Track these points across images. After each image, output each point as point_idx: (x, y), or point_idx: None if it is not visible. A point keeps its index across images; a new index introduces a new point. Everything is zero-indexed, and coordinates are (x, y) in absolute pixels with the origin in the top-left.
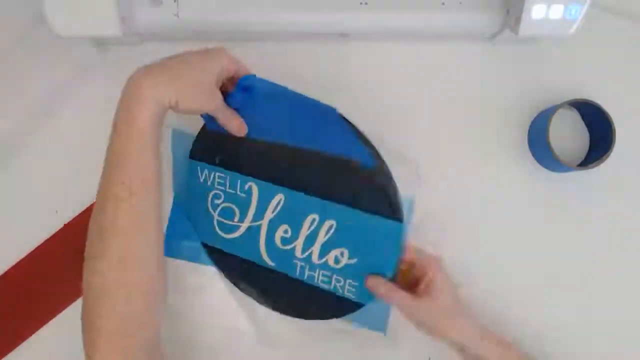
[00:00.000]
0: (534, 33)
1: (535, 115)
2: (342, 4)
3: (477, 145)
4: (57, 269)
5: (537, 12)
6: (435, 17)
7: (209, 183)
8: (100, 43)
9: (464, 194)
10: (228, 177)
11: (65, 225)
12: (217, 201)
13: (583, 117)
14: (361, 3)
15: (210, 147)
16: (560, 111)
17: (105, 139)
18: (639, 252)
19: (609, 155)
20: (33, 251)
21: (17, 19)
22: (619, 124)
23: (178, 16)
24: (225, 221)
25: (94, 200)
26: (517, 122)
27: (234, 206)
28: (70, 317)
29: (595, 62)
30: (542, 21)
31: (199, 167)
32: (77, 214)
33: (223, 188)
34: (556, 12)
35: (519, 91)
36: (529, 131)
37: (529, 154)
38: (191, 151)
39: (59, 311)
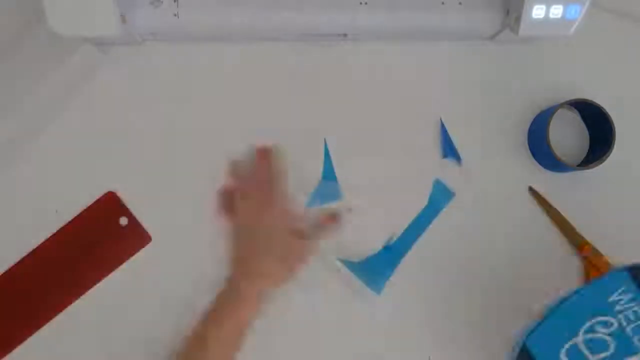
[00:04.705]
0: (534, 33)
1: (535, 115)
2: (342, 4)
3: (477, 145)
4: (57, 269)
5: (537, 12)
6: (435, 17)
7: (616, 308)
8: (100, 43)
9: (464, 194)
10: None
11: (65, 225)
12: (600, 328)
13: (583, 117)
14: (361, 3)
15: None
16: (560, 111)
17: (105, 138)
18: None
19: (609, 155)
20: (33, 251)
21: (16, 19)
22: (619, 124)
23: (178, 16)
24: (585, 351)
25: (94, 201)
26: (517, 122)
27: (613, 342)
28: (70, 317)
29: (595, 62)
30: (542, 21)
31: (624, 287)
32: (77, 214)
33: (626, 324)
34: (556, 12)
35: (519, 91)
36: (529, 131)
37: (529, 154)
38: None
39: (59, 311)
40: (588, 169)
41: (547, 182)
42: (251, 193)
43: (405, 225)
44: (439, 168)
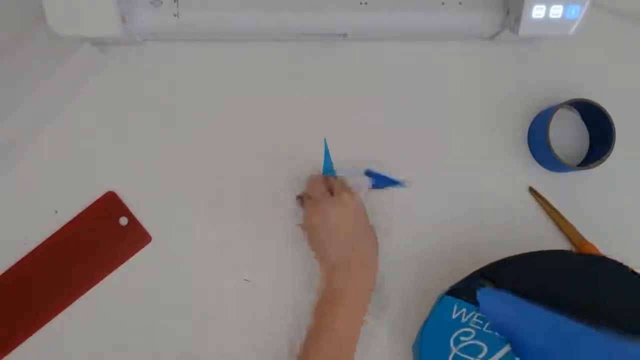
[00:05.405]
0: (534, 33)
1: (535, 115)
2: (342, 4)
3: (477, 145)
4: (57, 269)
5: (537, 12)
6: (435, 17)
7: (462, 321)
8: (100, 43)
9: (464, 194)
10: (489, 322)
11: (65, 225)
12: (463, 338)
13: (583, 117)
14: (361, 3)
15: (472, 288)
16: (560, 111)
17: (105, 138)
18: (639, 251)
19: (609, 155)
20: (33, 251)
21: (17, 19)
22: (619, 124)
23: (178, 16)
24: (467, 357)
25: (94, 201)
26: (517, 122)
27: (482, 344)
28: (70, 317)
29: (595, 62)
30: (542, 21)
31: (455, 305)
32: (77, 214)
33: (479, 328)
34: (556, 12)
35: (519, 91)
36: (529, 131)
37: (529, 154)
38: (452, 289)
39: (59, 311)
40: (588, 169)
41: (547, 182)
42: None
43: None
44: (442, 166)
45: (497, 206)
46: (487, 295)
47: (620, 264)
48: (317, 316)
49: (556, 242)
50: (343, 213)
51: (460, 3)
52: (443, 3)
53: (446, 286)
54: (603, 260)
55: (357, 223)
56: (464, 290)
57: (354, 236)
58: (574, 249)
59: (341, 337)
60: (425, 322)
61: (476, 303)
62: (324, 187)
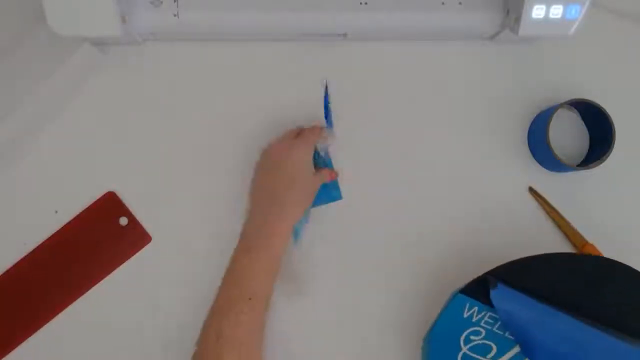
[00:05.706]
0: (534, 33)
1: (535, 115)
2: (342, 4)
3: (477, 145)
4: (58, 268)
5: (537, 12)
6: (435, 17)
7: (473, 320)
8: (100, 43)
9: (464, 194)
10: (500, 322)
11: (65, 225)
12: (473, 337)
13: (583, 117)
14: (361, 3)
15: (485, 287)
16: (560, 111)
17: (105, 138)
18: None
19: (609, 155)
20: (33, 251)
21: (17, 19)
22: (619, 124)
23: (178, 16)
24: (476, 356)
25: (94, 201)
26: (517, 122)
27: (492, 344)
28: (70, 317)
29: (595, 62)
30: (542, 21)
31: (467, 303)
32: (77, 214)
33: (490, 327)
34: (556, 12)
35: (519, 91)
36: (529, 131)
37: (529, 154)
38: (465, 287)
39: (59, 311)
40: (588, 169)
41: (547, 182)
42: (290, 137)
43: None
44: (442, 166)
45: (497, 206)
46: (501, 294)
47: (631, 268)
48: (231, 272)
49: (556, 242)
50: (286, 153)
51: (460, 3)
52: (443, 3)
53: (445, 285)
54: (614, 263)
55: (290, 168)
56: (477, 290)
57: (281, 176)
58: (574, 249)
59: (237, 269)
60: (437, 319)
61: (488, 303)
62: (295, 133)
